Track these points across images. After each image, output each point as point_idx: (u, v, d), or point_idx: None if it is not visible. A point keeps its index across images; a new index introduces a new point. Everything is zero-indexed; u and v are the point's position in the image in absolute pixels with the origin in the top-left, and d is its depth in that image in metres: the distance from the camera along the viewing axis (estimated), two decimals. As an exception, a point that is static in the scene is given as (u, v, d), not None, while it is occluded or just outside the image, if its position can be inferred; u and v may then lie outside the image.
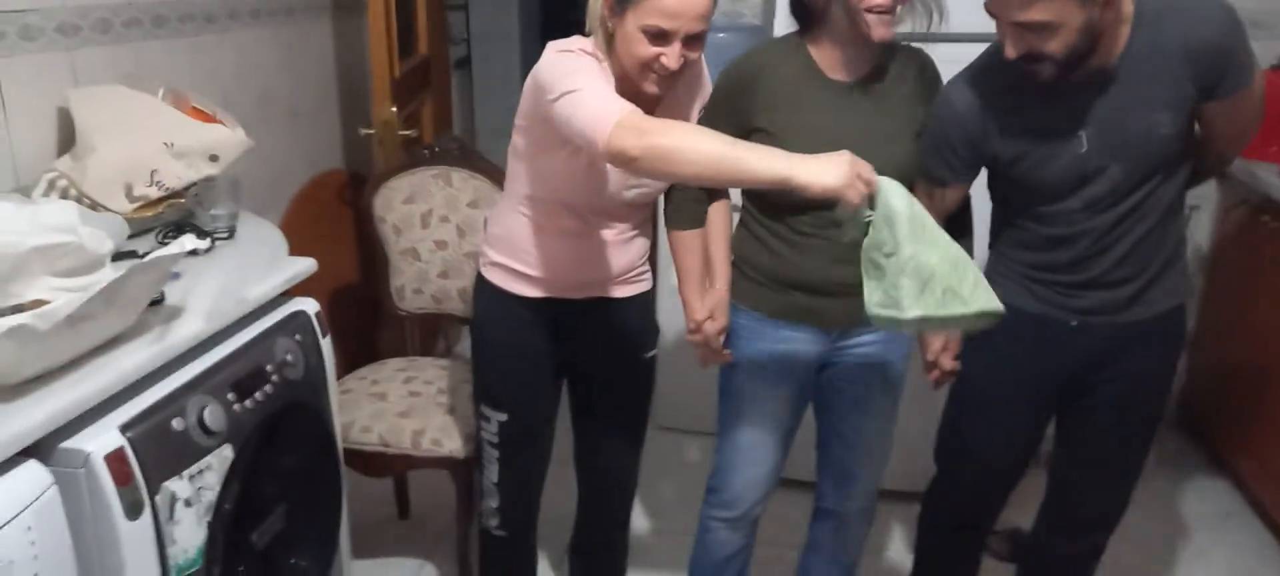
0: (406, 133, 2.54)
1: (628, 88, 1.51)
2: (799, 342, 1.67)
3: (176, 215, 1.74)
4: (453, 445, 1.99)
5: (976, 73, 1.51)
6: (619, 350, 1.81)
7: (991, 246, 1.65)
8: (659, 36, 1.45)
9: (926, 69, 1.60)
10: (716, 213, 1.69)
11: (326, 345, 1.63)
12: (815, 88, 1.55)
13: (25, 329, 1.06)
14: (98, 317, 1.17)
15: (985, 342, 1.60)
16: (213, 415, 1.30)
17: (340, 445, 1.70)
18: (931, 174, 1.56)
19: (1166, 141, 1.41)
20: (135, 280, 1.21)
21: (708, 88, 1.67)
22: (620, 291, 1.75)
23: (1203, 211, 2.52)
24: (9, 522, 1.01)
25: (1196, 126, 1.47)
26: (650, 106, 1.55)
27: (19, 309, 1.15)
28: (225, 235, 1.74)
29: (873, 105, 1.56)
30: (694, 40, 1.48)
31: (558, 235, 1.67)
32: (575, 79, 1.39)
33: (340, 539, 1.72)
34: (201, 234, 1.67)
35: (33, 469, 1.06)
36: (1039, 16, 1.29)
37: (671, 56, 1.46)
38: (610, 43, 1.53)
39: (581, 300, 1.72)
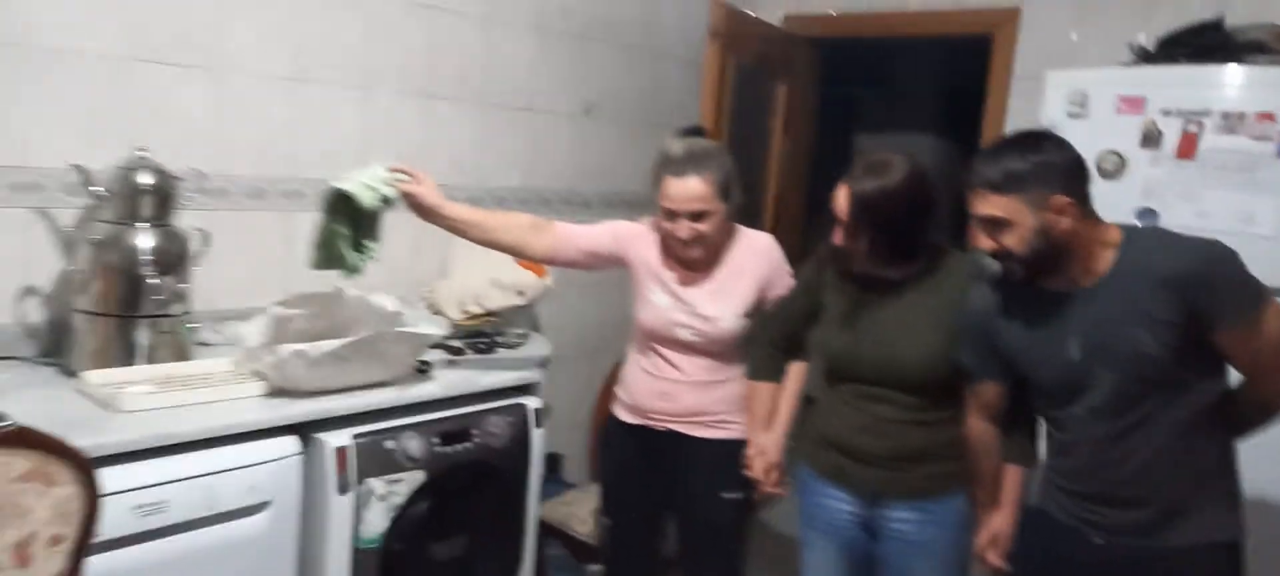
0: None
1: (670, 252, 1.98)
2: (839, 501, 1.78)
3: (490, 327, 2.47)
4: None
5: (997, 275, 1.57)
6: (696, 487, 2.03)
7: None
8: (669, 215, 1.89)
9: (977, 272, 1.63)
10: (793, 370, 1.93)
11: (538, 435, 2.16)
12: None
13: (302, 354, 1.78)
14: (355, 361, 1.86)
15: (1028, 547, 1.67)
16: (417, 447, 1.91)
17: (536, 515, 2.20)
18: (961, 363, 1.67)
19: (1155, 361, 1.42)
20: (387, 342, 1.89)
21: (770, 255, 1.98)
22: (698, 432, 2.01)
23: None
24: (265, 464, 1.71)
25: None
26: (698, 266, 1.97)
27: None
28: (515, 344, 2.41)
29: (911, 299, 1.69)
30: (699, 216, 1.86)
31: (642, 369, 2.05)
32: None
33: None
34: (490, 340, 2.35)
35: (290, 441, 1.76)
36: (990, 212, 1.42)
37: (680, 229, 1.89)
38: None
39: (662, 432, 2.03)
